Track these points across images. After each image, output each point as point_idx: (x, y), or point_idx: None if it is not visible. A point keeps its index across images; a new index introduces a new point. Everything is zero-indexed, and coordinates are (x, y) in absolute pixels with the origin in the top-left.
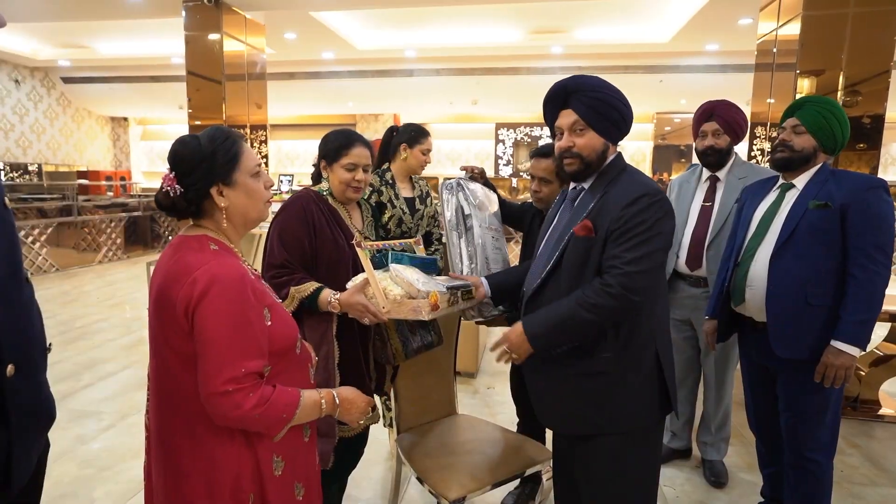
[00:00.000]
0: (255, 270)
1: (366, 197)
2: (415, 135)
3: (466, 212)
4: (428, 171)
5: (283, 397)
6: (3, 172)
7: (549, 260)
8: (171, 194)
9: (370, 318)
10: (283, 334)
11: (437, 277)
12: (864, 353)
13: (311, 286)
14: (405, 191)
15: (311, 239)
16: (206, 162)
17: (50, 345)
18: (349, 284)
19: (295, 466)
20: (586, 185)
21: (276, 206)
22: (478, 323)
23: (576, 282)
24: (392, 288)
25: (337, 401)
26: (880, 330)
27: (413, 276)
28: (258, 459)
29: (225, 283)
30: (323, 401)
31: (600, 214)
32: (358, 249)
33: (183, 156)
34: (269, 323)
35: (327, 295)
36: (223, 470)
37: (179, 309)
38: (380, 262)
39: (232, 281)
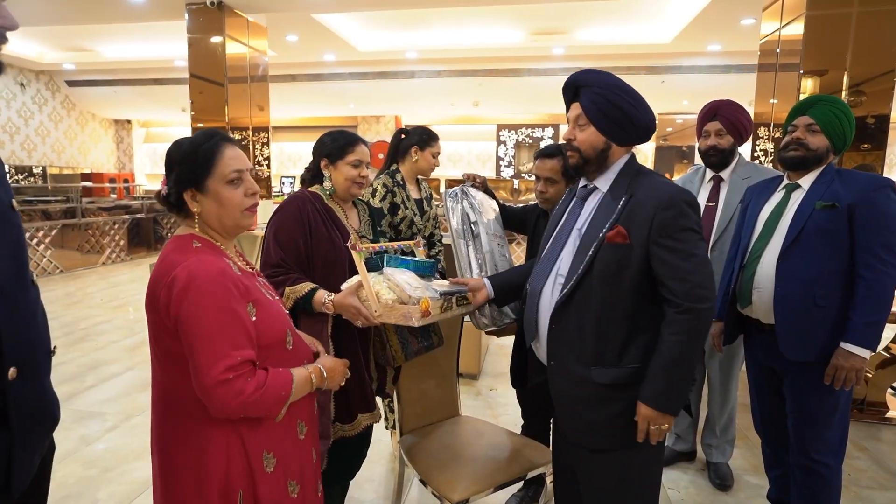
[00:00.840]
0: (253, 268)
1: (381, 198)
2: (426, 138)
3: (472, 219)
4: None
5: (278, 378)
6: (8, 175)
7: (577, 267)
8: (161, 194)
9: (362, 321)
10: (270, 328)
11: (436, 282)
12: (873, 354)
13: (306, 287)
14: (413, 193)
15: (307, 238)
16: (181, 166)
17: (54, 347)
18: (344, 286)
19: (288, 464)
20: (600, 186)
21: (273, 207)
22: (488, 332)
23: (608, 289)
24: (385, 292)
25: (324, 373)
26: (888, 331)
27: (406, 280)
28: (248, 456)
29: (204, 279)
30: (312, 375)
31: (631, 219)
32: (353, 252)
33: (169, 158)
34: (254, 318)
35: (321, 296)
36: (211, 466)
37: (162, 307)
38: (375, 265)
39: (210, 275)
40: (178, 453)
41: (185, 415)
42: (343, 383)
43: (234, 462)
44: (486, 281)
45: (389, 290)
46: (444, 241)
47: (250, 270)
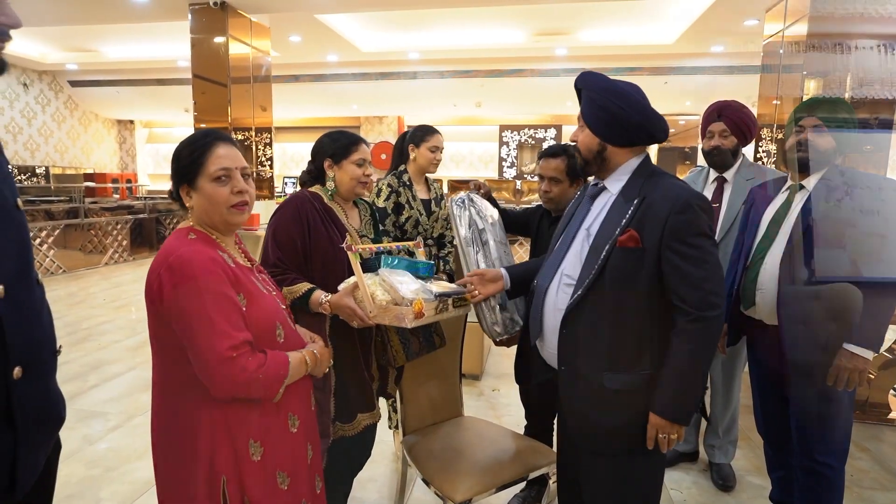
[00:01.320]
0: (253, 263)
1: (385, 197)
2: (420, 134)
3: (480, 226)
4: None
5: (276, 358)
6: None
7: (588, 271)
8: (170, 189)
9: (357, 322)
10: (257, 320)
11: (435, 283)
12: (875, 355)
13: (304, 287)
14: (421, 193)
15: (305, 238)
16: (177, 164)
17: (60, 347)
18: (341, 287)
19: (276, 454)
20: (609, 187)
21: (273, 208)
22: (500, 342)
23: (621, 294)
24: (380, 293)
25: (317, 356)
26: (890, 333)
27: (401, 281)
28: (234, 442)
29: (195, 265)
30: (306, 357)
31: (643, 222)
32: (349, 253)
33: (172, 156)
34: (244, 309)
35: (318, 296)
36: (198, 450)
37: (156, 296)
38: (373, 266)
39: (201, 263)
40: (169, 437)
41: (175, 399)
42: (326, 370)
43: (219, 447)
44: (504, 271)
45: (385, 292)
46: (455, 241)
47: (248, 265)
